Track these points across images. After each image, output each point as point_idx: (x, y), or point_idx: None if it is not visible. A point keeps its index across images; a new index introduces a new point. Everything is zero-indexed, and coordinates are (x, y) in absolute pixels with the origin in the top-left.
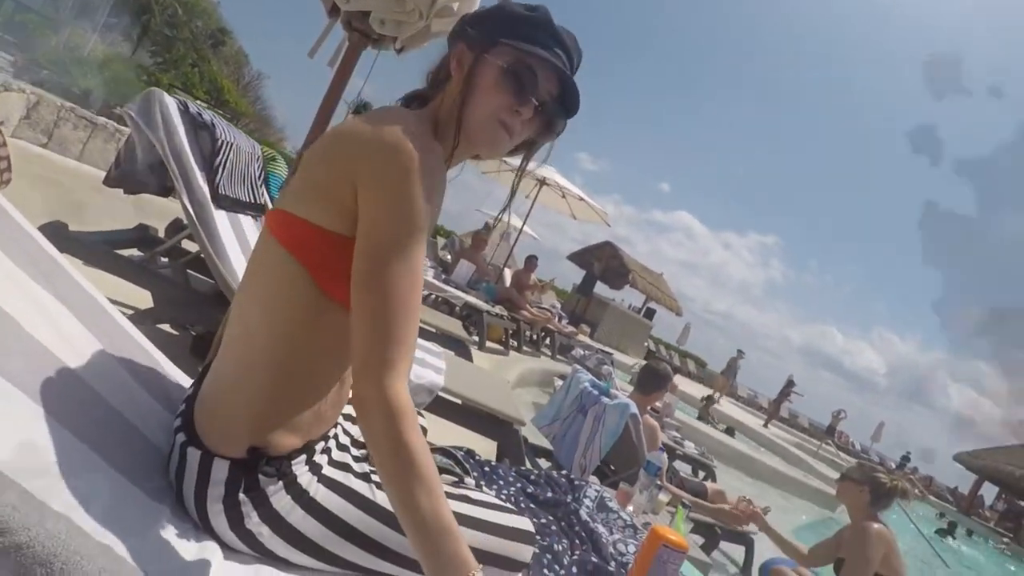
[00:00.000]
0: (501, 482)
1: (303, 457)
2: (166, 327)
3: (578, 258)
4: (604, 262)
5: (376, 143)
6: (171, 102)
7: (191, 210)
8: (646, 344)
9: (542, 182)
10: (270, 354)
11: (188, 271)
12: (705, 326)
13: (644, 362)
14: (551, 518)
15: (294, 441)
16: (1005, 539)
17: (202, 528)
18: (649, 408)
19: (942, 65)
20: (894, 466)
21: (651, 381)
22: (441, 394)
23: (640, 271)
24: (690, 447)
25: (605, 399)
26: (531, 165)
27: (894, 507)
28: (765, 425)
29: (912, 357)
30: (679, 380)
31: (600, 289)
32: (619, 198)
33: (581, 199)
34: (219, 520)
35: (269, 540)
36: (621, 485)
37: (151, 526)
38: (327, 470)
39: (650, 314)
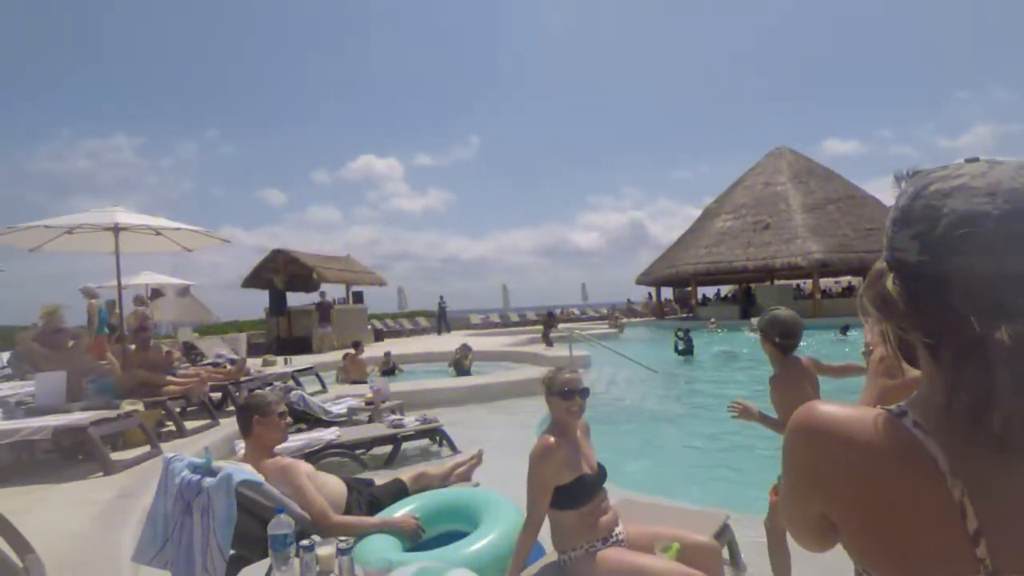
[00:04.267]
0: None
1: None
2: None
3: (254, 280)
4: (283, 272)
5: None
6: None
7: None
8: (369, 327)
9: (115, 230)
10: None
11: None
12: (433, 275)
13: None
14: None
15: None
16: (688, 317)
17: None
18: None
19: None
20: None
21: (241, 422)
22: None
23: (323, 263)
24: (412, 421)
25: (208, 480)
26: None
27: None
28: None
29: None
30: (407, 343)
31: (299, 299)
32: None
33: (179, 229)
34: None
35: None
36: None
37: None
38: None
39: (358, 297)
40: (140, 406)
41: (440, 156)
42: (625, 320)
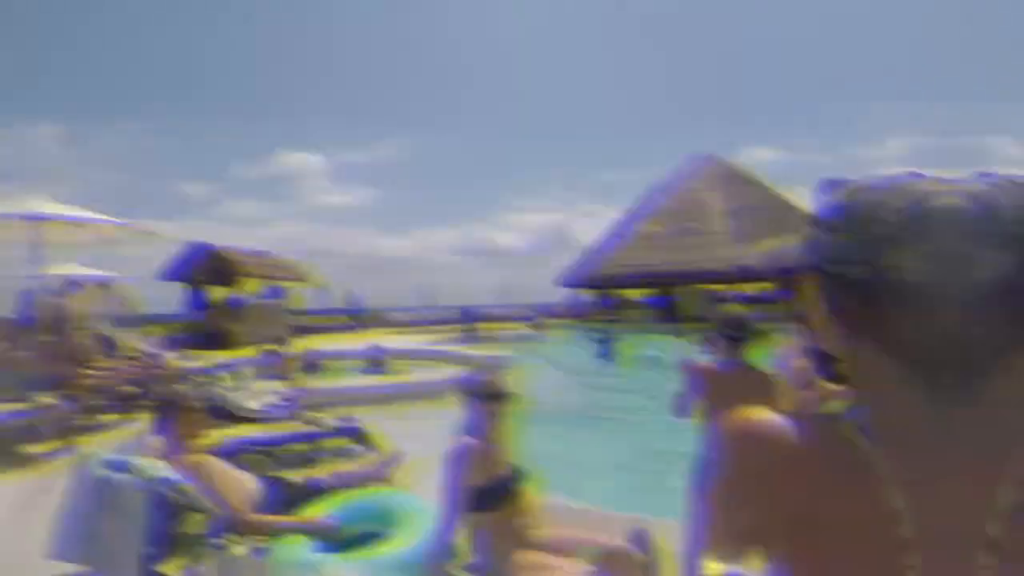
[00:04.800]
0: None
1: None
2: None
3: (177, 275)
4: (203, 270)
5: None
6: None
7: None
8: (290, 324)
9: (29, 219)
10: None
11: None
12: (370, 271)
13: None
14: None
15: None
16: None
17: None
18: None
19: None
20: None
21: (157, 417)
22: None
23: (245, 259)
24: (330, 420)
25: (123, 476)
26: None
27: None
28: None
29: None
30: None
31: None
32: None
33: (123, 225)
34: None
35: None
36: None
37: None
38: None
39: (278, 293)
40: (53, 399)
41: (366, 152)
42: (547, 322)
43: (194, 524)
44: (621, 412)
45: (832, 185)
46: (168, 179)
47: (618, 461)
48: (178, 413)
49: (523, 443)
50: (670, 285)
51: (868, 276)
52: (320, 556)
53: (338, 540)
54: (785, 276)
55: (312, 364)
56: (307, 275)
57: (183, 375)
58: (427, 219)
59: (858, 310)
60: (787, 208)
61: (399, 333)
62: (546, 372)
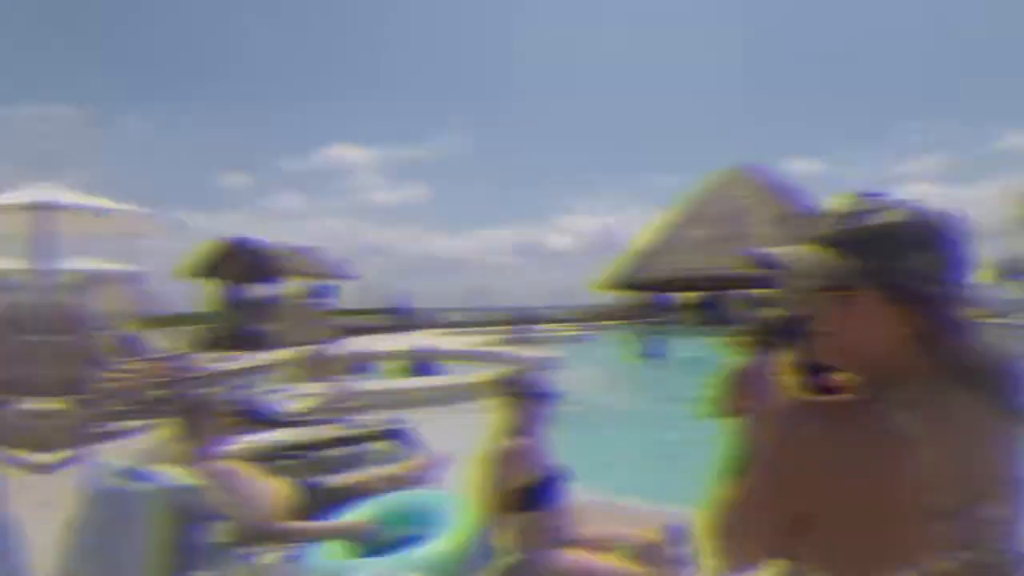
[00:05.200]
0: None
1: None
2: None
3: (206, 270)
4: (240, 265)
5: None
6: None
7: None
8: (336, 322)
9: (39, 208)
10: None
11: None
12: (421, 271)
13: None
14: None
15: None
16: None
17: None
18: None
19: None
20: None
21: (178, 422)
22: None
23: (288, 256)
24: (373, 422)
25: (138, 486)
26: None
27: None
28: None
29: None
30: (370, 340)
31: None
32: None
33: (119, 210)
34: None
35: None
36: None
37: None
38: None
39: (324, 292)
40: (66, 404)
41: (420, 147)
42: (599, 323)
43: (220, 534)
44: (667, 410)
45: (869, 198)
46: (204, 169)
47: (661, 458)
48: (205, 418)
49: (567, 442)
50: (716, 288)
51: (936, 292)
52: (357, 561)
53: (378, 544)
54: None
55: (357, 365)
56: (353, 273)
57: (213, 377)
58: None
59: (924, 321)
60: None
61: (449, 334)
62: (596, 372)
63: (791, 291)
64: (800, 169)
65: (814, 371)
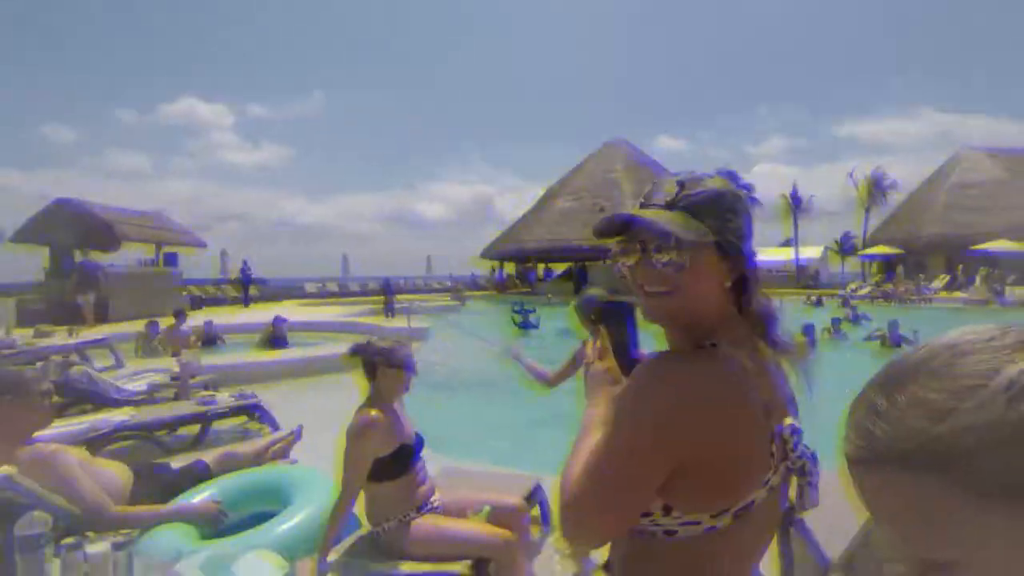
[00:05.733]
0: None
1: None
2: None
3: (29, 235)
4: (69, 231)
5: None
6: None
7: None
8: (185, 294)
9: None
10: None
11: None
12: (279, 238)
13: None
14: None
15: None
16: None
17: None
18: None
19: None
20: None
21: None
22: None
23: (128, 220)
24: (225, 398)
25: None
26: None
27: None
28: None
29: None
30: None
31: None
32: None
33: None
34: None
35: None
36: None
37: None
38: None
39: (171, 260)
40: None
41: (281, 107)
42: (468, 294)
43: (29, 526)
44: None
45: (729, 176)
46: (21, 120)
47: (524, 425)
48: (15, 398)
49: (436, 410)
50: (585, 260)
51: (746, 250)
52: (201, 544)
53: (225, 524)
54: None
55: (208, 338)
56: (203, 240)
57: (37, 354)
58: (343, 185)
59: (737, 275)
60: None
61: (310, 304)
62: (464, 342)
63: (624, 258)
64: (665, 147)
65: (624, 350)
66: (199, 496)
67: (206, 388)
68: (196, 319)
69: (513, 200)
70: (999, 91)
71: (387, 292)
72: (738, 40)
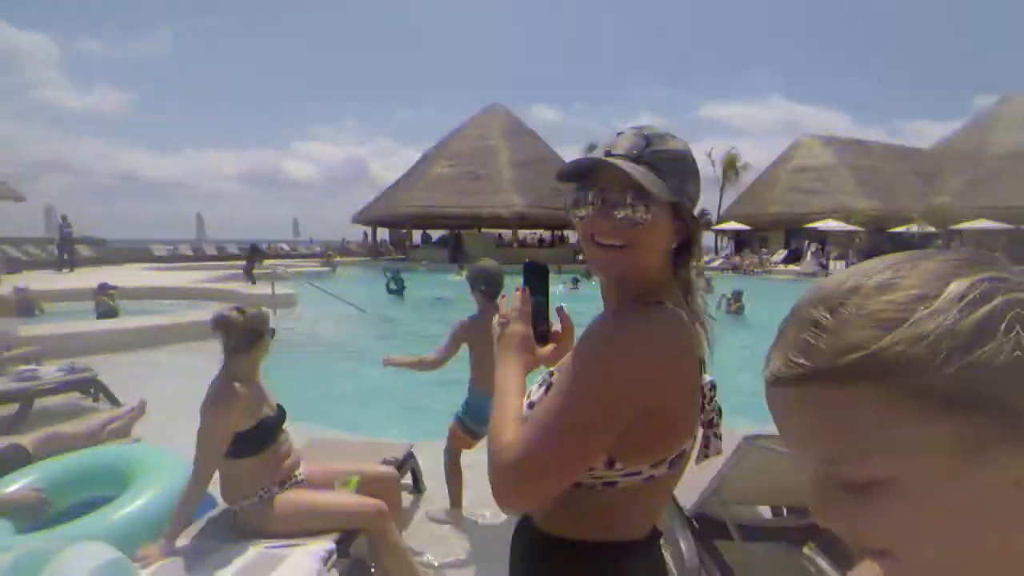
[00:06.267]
0: None
1: None
2: None
3: None
4: None
5: None
6: None
7: None
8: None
9: None
10: None
11: None
12: (120, 194)
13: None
14: None
15: None
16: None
17: None
18: None
19: None
20: None
21: None
22: None
23: None
24: (52, 372)
25: None
26: None
27: None
28: None
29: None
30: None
31: None
32: None
33: None
34: None
35: None
36: None
37: None
38: None
39: None
40: None
41: (117, 44)
42: (339, 259)
43: None
44: (405, 346)
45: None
46: None
47: (396, 392)
48: None
49: (303, 379)
50: (458, 227)
51: (695, 214)
52: (13, 539)
53: (50, 514)
54: (553, 224)
55: (31, 304)
56: (22, 194)
57: None
58: (197, 138)
59: (690, 233)
60: (559, 163)
61: (161, 269)
62: (334, 308)
63: (579, 209)
64: (541, 116)
65: (543, 314)
66: (15, 484)
67: (27, 362)
68: (6, 284)
69: (387, 163)
70: (836, 84)
71: (253, 255)
72: (615, 21)
